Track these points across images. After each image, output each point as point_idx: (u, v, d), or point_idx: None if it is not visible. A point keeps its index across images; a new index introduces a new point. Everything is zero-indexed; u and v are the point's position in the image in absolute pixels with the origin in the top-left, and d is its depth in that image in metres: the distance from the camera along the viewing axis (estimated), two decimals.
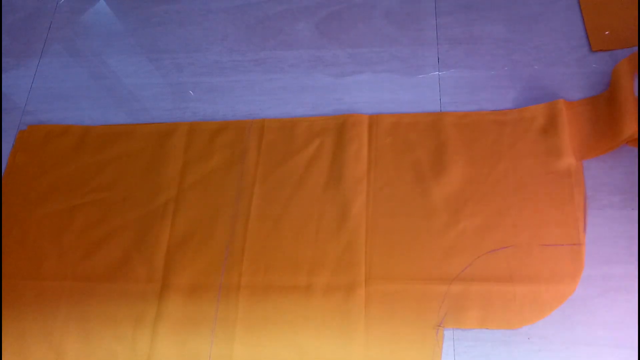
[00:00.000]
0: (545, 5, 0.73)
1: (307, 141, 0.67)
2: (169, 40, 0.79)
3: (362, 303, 0.58)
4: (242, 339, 0.58)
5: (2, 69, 0.80)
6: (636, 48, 0.67)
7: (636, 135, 0.58)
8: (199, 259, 0.62)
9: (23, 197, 0.69)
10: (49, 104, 0.76)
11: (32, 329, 0.61)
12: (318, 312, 0.58)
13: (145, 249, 0.64)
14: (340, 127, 0.67)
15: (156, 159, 0.69)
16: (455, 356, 0.55)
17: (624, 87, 0.60)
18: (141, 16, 0.81)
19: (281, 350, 0.57)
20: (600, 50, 0.68)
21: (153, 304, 0.61)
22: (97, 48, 0.80)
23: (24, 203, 0.69)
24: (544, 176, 0.61)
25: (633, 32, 0.68)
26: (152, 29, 0.80)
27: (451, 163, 0.63)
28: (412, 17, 0.75)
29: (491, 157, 0.63)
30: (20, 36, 0.83)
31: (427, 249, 0.59)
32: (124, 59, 0.78)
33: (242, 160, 0.67)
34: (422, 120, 0.67)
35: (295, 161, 0.66)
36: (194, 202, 0.66)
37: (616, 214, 0.59)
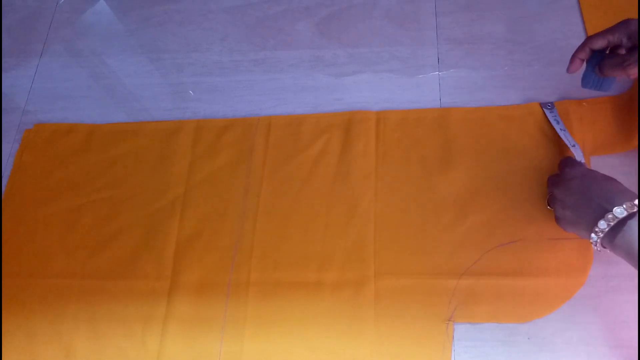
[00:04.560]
0: (545, 5, 0.73)
1: (314, 138, 0.67)
2: (169, 40, 0.79)
3: (371, 298, 0.58)
4: (252, 336, 0.58)
5: (2, 69, 0.80)
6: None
7: None
8: (208, 256, 0.62)
9: (30, 196, 0.69)
10: (49, 104, 0.76)
11: (41, 328, 0.61)
12: (328, 307, 0.58)
13: (154, 246, 0.64)
14: (347, 124, 0.68)
15: (163, 156, 0.69)
16: (455, 356, 0.55)
17: None
18: (141, 16, 0.81)
19: (291, 346, 0.57)
20: None
21: (162, 302, 0.61)
22: (97, 48, 0.80)
23: (31, 202, 0.69)
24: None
25: None
26: (152, 29, 0.80)
27: (459, 158, 0.63)
28: (412, 17, 0.75)
29: (498, 151, 0.63)
30: (20, 36, 0.83)
31: (436, 243, 0.59)
32: (124, 59, 0.78)
33: (249, 157, 0.67)
34: (430, 116, 0.67)
35: (303, 158, 0.66)
36: (202, 200, 0.66)
37: None
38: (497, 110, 0.66)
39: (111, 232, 0.65)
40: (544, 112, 0.64)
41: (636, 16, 0.68)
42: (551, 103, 0.65)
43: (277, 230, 0.63)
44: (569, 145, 0.60)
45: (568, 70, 0.58)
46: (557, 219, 0.54)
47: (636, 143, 0.60)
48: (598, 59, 0.57)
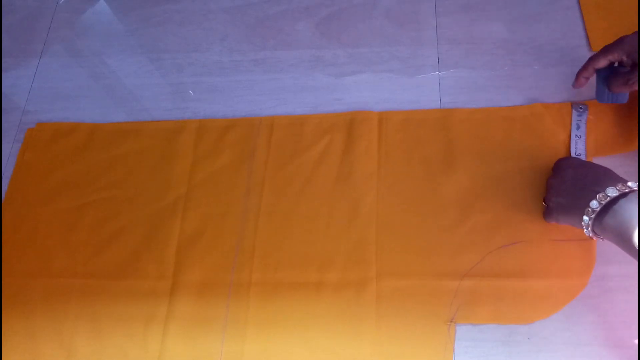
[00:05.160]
0: (545, 5, 0.73)
1: (316, 138, 0.67)
2: (169, 40, 0.79)
3: (373, 299, 0.58)
4: (253, 336, 0.58)
5: (2, 69, 0.80)
6: None
7: None
8: (210, 256, 0.62)
9: (32, 195, 0.69)
10: (49, 104, 0.76)
11: (42, 327, 0.61)
12: (329, 308, 0.58)
13: (156, 246, 0.64)
14: (349, 124, 0.67)
15: (165, 156, 0.69)
16: (455, 356, 0.55)
17: None
18: (141, 16, 0.81)
19: (292, 346, 0.57)
20: None
21: (164, 302, 0.61)
22: (97, 48, 0.80)
23: (33, 201, 0.69)
24: None
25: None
26: (152, 29, 0.80)
27: (461, 159, 0.63)
28: (412, 17, 0.75)
29: (501, 152, 0.63)
30: (20, 36, 0.83)
31: (438, 244, 0.59)
32: (124, 59, 0.78)
33: (251, 158, 0.67)
34: (432, 117, 0.67)
35: (305, 158, 0.66)
36: (204, 200, 0.66)
37: None
38: (499, 111, 0.66)
39: (113, 232, 0.65)
40: (572, 112, 0.64)
41: (636, 17, 0.69)
42: (584, 105, 0.64)
43: (278, 231, 0.63)
44: (572, 154, 0.61)
45: (574, 86, 0.61)
46: (550, 210, 0.55)
47: (637, 144, 0.60)
48: (605, 75, 0.59)
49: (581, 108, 0.64)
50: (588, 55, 0.68)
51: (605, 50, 0.57)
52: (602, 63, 0.58)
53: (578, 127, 0.63)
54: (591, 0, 0.72)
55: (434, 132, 0.66)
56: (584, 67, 0.59)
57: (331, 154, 0.66)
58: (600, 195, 0.47)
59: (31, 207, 0.68)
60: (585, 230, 0.50)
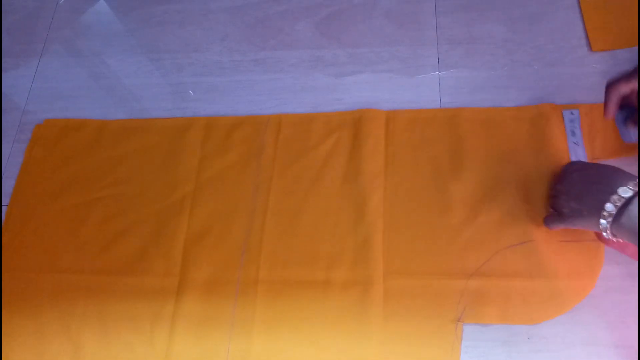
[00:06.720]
0: (545, 5, 0.73)
1: (324, 136, 0.67)
2: (169, 40, 0.79)
3: (380, 298, 0.58)
4: (260, 334, 0.58)
5: (2, 69, 0.80)
6: (636, 48, 0.67)
7: None
8: (217, 254, 0.62)
9: (40, 191, 0.69)
10: (49, 104, 0.76)
11: (50, 323, 0.61)
12: (336, 306, 0.58)
13: (163, 243, 0.64)
14: (357, 122, 0.67)
15: (173, 153, 0.69)
16: None
17: None
18: (141, 16, 0.81)
19: (299, 345, 0.57)
20: (600, 50, 0.68)
21: (171, 299, 0.61)
22: (97, 48, 0.80)
23: (40, 197, 0.69)
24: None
25: (633, 32, 0.68)
26: (152, 29, 0.80)
27: (468, 158, 0.63)
28: (412, 17, 0.75)
29: (509, 152, 0.63)
30: (20, 36, 0.83)
31: (445, 244, 0.59)
32: (124, 59, 0.78)
33: (259, 155, 0.67)
34: (440, 116, 0.67)
35: (313, 156, 0.66)
36: (211, 197, 0.66)
37: None
38: (507, 111, 0.66)
39: (120, 229, 0.65)
40: (564, 119, 0.63)
41: (636, 17, 0.69)
42: (575, 111, 0.63)
43: (286, 229, 0.63)
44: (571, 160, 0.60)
45: (607, 116, 0.56)
46: (563, 216, 0.54)
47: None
48: (624, 115, 0.57)
49: (572, 114, 0.63)
50: (588, 55, 0.68)
51: (628, 76, 0.53)
52: (625, 89, 0.54)
53: (573, 134, 0.62)
54: (591, 0, 0.72)
55: (441, 131, 0.65)
56: (609, 98, 0.55)
57: (339, 152, 0.66)
58: (615, 197, 0.47)
59: (39, 203, 0.68)
60: (604, 233, 0.49)
